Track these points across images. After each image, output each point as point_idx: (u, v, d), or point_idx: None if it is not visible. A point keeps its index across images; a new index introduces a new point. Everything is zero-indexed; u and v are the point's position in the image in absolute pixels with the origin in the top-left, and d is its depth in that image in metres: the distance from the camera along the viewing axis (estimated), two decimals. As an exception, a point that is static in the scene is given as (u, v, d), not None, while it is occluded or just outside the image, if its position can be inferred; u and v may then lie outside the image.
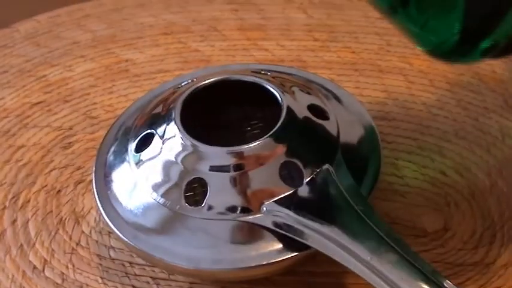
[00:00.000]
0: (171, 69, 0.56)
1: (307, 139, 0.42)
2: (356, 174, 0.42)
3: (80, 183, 0.49)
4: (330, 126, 0.43)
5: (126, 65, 0.57)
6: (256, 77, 0.44)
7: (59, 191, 0.49)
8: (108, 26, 0.60)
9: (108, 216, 0.42)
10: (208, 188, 0.40)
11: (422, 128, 0.50)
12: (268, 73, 0.46)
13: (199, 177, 0.40)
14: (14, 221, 0.47)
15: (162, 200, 0.40)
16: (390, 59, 0.55)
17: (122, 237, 0.41)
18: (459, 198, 0.46)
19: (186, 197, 0.40)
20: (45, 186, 0.49)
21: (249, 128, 0.46)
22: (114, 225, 0.41)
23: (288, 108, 0.42)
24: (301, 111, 0.42)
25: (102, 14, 0.61)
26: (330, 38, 0.57)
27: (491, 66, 0.54)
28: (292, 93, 0.44)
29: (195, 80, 0.45)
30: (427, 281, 0.36)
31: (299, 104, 0.43)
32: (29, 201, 0.49)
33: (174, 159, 0.41)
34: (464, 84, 0.53)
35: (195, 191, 0.41)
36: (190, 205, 0.40)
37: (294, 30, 0.58)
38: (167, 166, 0.41)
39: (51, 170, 0.50)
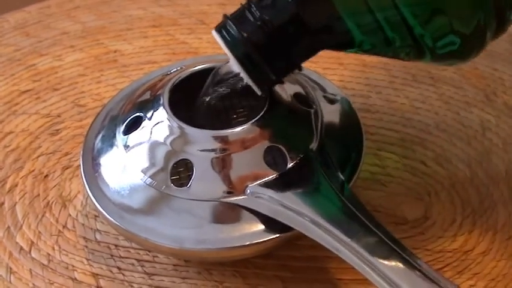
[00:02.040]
0: (159, 60, 0.57)
1: (292, 126, 0.43)
2: (338, 162, 0.43)
3: (67, 168, 0.50)
4: (313, 114, 0.44)
5: (115, 55, 0.58)
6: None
7: (46, 175, 0.50)
8: (97, 18, 0.61)
9: (94, 197, 0.42)
10: (194, 170, 0.41)
11: (404, 121, 0.51)
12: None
13: (185, 159, 0.41)
14: (1, 204, 0.48)
15: (148, 181, 0.41)
16: (374, 54, 0.56)
17: (108, 217, 0.41)
18: (439, 188, 0.47)
19: (172, 179, 0.41)
20: (33, 171, 0.50)
21: (235, 116, 0.47)
22: (100, 206, 0.42)
23: (274, 95, 0.43)
24: (286, 99, 0.43)
25: (92, 6, 0.62)
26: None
27: (473, 63, 0.55)
28: (279, 82, 0.44)
29: (183, 67, 0.46)
30: (405, 261, 0.37)
31: (284, 92, 0.44)
32: (16, 185, 0.49)
33: (162, 141, 0.41)
34: (446, 79, 0.54)
35: (181, 172, 0.42)
36: (176, 186, 0.41)
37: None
38: (154, 147, 0.42)
39: (38, 156, 0.51)
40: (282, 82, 0.41)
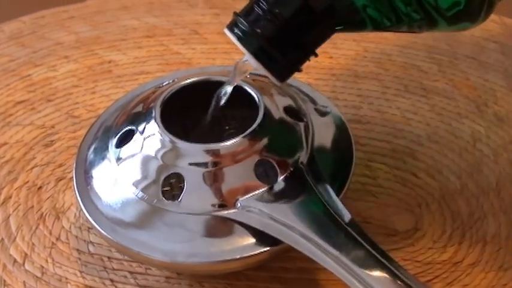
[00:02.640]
0: (153, 71, 0.57)
1: (282, 139, 0.43)
2: (329, 174, 0.43)
3: (61, 180, 0.50)
4: (304, 127, 0.44)
5: (109, 66, 0.58)
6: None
7: (40, 187, 0.50)
8: (92, 28, 0.61)
9: (87, 211, 0.43)
10: (185, 183, 0.41)
11: (395, 132, 0.52)
12: (248, 76, 0.47)
13: (177, 173, 0.41)
14: (-5, 216, 0.49)
15: (140, 194, 0.42)
16: (366, 65, 0.57)
17: (101, 230, 0.42)
18: (430, 200, 0.48)
19: (164, 192, 0.41)
20: (27, 182, 0.50)
21: (227, 127, 0.47)
22: (93, 219, 0.42)
23: (265, 109, 0.43)
24: (278, 113, 0.44)
25: (86, 16, 0.62)
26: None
27: (465, 74, 0.56)
28: (270, 95, 0.45)
29: (176, 80, 0.47)
30: (393, 274, 0.38)
31: (276, 105, 0.44)
32: (10, 197, 0.50)
33: (153, 155, 0.42)
34: (438, 90, 0.55)
35: (172, 186, 0.42)
36: (168, 199, 0.41)
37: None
38: (146, 161, 0.42)
39: (32, 167, 0.51)
40: (300, 70, 0.42)
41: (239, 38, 0.40)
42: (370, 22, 0.40)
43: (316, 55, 0.42)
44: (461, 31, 0.42)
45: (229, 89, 0.44)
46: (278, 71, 0.41)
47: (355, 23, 0.41)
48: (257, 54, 0.40)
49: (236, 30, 0.40)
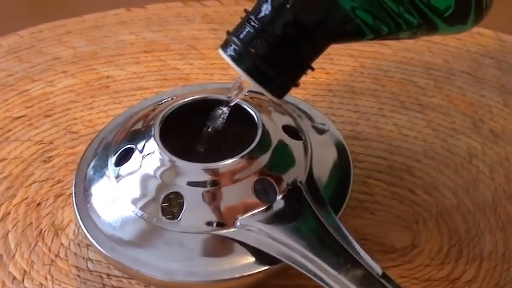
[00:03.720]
0: (151, 86, 0.58)
1: (281, 158, 0.43)
2: (327, 192, 0.44)
3: (59, 196, 0.50)
4: (302, 145, 0.45)
5: (107, 81, 0.58)
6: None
7: (39, 203, 0.50)
8: (89, 43, 0.62)
9: (87, 229, 0.43)
10: (185, 202, 0.41)
11: (392, 148, 0.52)
12: (246, 93, 0.47)
13: (176, 192, 0.42)
14: (-6, 233, 0.49)
15: (140, 213, 0.42)
16: (363, 81, 0.57)
17: (100, 249, 0.42)
18: (427, 216, 0.48)
19: (163, 211, 0.42)
20: (26, 198, 0.50)
21: (226, 146, 0.47)
22: (92, 237, 0.43)
23: (264, 127, 0.43)
24: (276, 131, 0.44)
25: (83, 31, 0.63)
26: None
27: (462, 90, 0.56)
28: (268, 113, 0.45)
29: (175, 98, 0.47)
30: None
31: (274, 123, 0.44)
32: (9, 213, 0.50)
33: (152, 174, 0.42)
34: (434, 106, 0.55)
35: (172, 205, 0.43)
36: (167, 218, 0.41)
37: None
38: (146, 180, 0.42)
39: (31, 183, 0.51)
40: (297, 85, 0.42)
41: (233, 58, 0.40)
42: (367, 28, 0.40)
43: (312, 69, 0.42)
44: (459, 33, 0.42)
45: (227, 107, 0.44)
46: (275, 87, 0.41)
47: (351, 31, 0.40)
48: (252, 73, 0.40)
49: (229, 51, 0.41)
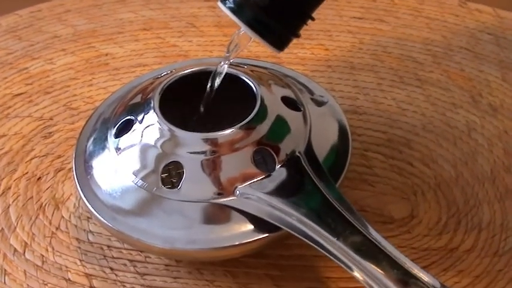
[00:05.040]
0: (150, 63, 0.58)
1: (280, 128, 0.44)
2: (326, 162, 0.44)
3: (59, 171, 0.51)
4: (302, 116, 0.45)
5: (106, 59, 0.58)
6: (234, 69, 0.45)
7: (39, 178, 0.50)
8: (88, 21, 0.62)
9: (87, 200, 0.43)
10: (184, 172, 0.41)
11: (391, 122, 0.52)
12: (245, 66, 0.48)
13: (176, 161, 0.42)
14: (-5, 207, 0.49)
15: (140, 183, 0.42)
16: (362, 56, 0.57)
17: (101, 219, 0.42)
18: (425, 188, 0.48)
19: (163, 180, 0.42)
20: (26, 173, 0.51)
21: (225, 117, 0.47)
22: (93, 208, 0.43)
23: (263, 98, 0.44)
24: (275, 103, 0.44)
25: (82, 10, 0.63)
26: (304, 35, 0.58)
27: (460, 65, 0.56)
28: (268, 85, 0.45)
29: (174, 71, 0.47)
30: (390, 260, 0.38)
31: (273, 95, 0.45)
32: (10, 187, 0.50)
33: (152, 144, 0.42)
34: (433, 81, 0.55)
35: (171, 175, 0.43)
36: (167, 187, 0.41)
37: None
38: (146, 150, 0.42)
39: (31, 158, 0.52)
40: (298, 36, 0.42)
41: (232, 10, 0.40)
42: None
43: (312, 19, 0.41)
44: None
45: (225, 66, 0.44)
46: (275, 39, 0.41)
47: None
48: (252, 25, 0.40)
49: (229, 3, 0.40)
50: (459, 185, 0.49)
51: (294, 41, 0.57)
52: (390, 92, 0.55)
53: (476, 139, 0.51)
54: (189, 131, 0.43)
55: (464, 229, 0.46)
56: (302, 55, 0.58)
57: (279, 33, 0.41)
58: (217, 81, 0.44)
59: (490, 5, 0.61)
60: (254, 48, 0.58)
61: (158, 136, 0.42)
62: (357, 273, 0.38)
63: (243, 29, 0.40)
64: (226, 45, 0.57)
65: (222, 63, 0.44)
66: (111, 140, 0.44)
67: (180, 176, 0.42)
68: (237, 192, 0.41)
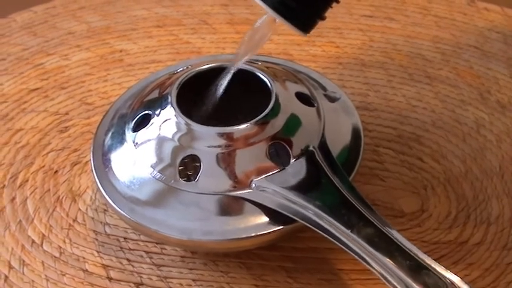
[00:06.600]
0: (164, 59, 0.59)
1: (294, 123, 0.45)
2: (339, 157, 0.45)
3: (76, 164, 0.52)
4: (315, 112, 0.46)
5: (120, 55, 0.59)
6: (249, 65, 0.46)
7: (56, 171, 0.51)
8: (102, 18, 0.63)
9: (105, 191, 0.44)
10: (201, 165, 0.42)
11: (401, 118, 0.53)
12: (259, 63, 0.49)
13: (193, 155, 0.43)
14: (13, 199, 0.50)
15: (158, 175, 0.43)
16: (372, 54, 0.58)
17: (119, 210, 0.43)
18: (435, 183, 0.49)
19: (180, 173, 0.43)
20: (43, 166, 0.52)
21: (241, 113, 0.48)
22: (111, 199, 0.44)
23: (277, 94, 0.44)
24: (289, 98, 0.45)
25: (96, 6, 0.64)
26: (315, 33, 0.59)
27: (469, 63, 0.57)
28: (282, 81, 0.46)
29: (189, 67, 0.48)
30: (403, 251, 0.39)
31: (287, 91, 0.46)
32: (27, 180, 0.51)
33: (170, 137, 0.43)
34: (442, 79, 0.56)
35: (188, 168, 0.44)
36: (184, 180, 0.42)
37: (281, 25, 0.61)
38: (163, 144, 0.43)
39: (48, 152, 0.53)
40: (323, 18, 0.42)
41: None
42: None
43: (337, 1, 0.42)
44: None
45: (239, 63, 0.45)
46: (301, 22, 0.41)
47: None
48: (277, 8, 0.41)
49: None
50: (468, 180, 0.49)
51: (305, 38, 0.59)
52: (400, 88, 0.55)
53: (485, 135, 0.52)
54: (206, 125, 0.43)
55: (473, 223, 0.47)
56: (313, 52, 0.59)
57: (304, 16, 0.41)
58: (233, 77, 0.45)
59: (498, 4, 0.62)
60: (266, 45, 0.58)
61: (175, 130, 0.43)
62: (371, 264, 0.39)
63: (269, 12, 0.41)
64: (238, 42, 0.59)
65: (237, 61, 0.45)
66: (129, 134, 0.45)
67: (196, 169, 0.43)
68: (253, 185, 0.42)
